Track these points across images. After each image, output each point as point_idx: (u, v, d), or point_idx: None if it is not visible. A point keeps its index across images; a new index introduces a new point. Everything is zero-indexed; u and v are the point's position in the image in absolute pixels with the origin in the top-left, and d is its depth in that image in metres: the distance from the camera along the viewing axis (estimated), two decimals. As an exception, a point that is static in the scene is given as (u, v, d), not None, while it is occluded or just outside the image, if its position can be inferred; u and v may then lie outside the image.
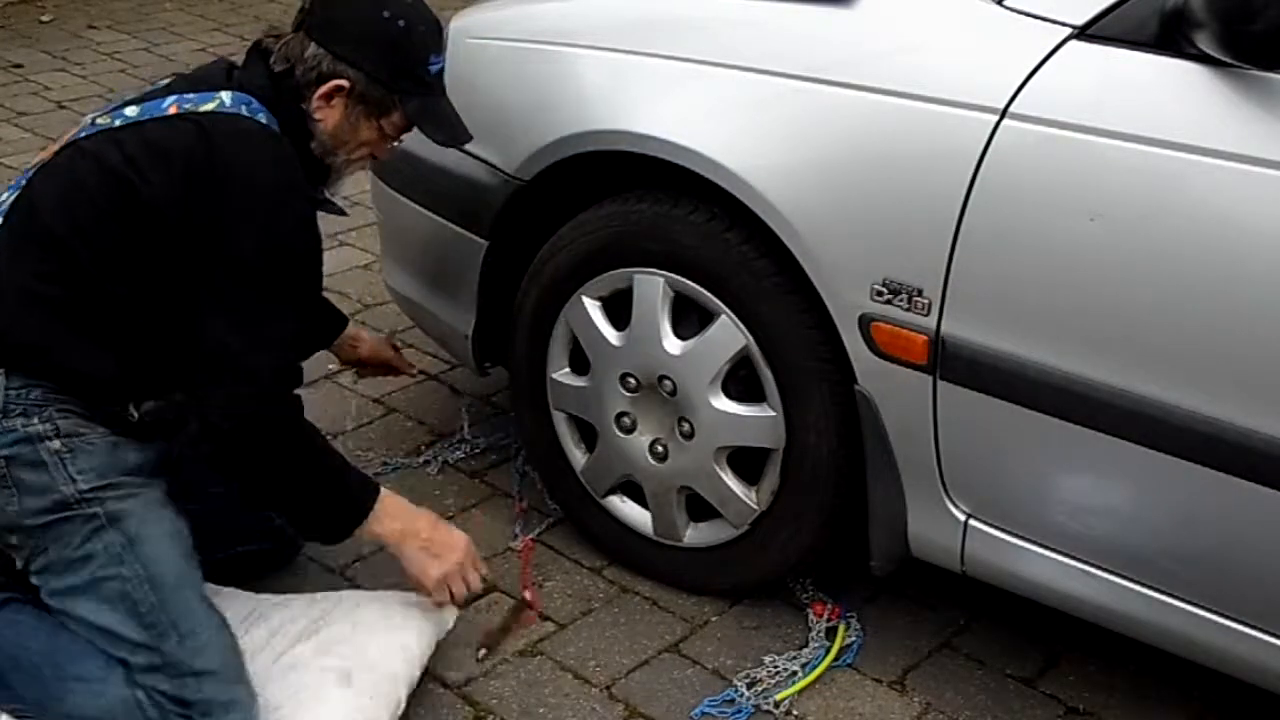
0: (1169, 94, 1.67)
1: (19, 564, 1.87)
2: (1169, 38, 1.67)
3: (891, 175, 1.84)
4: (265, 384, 1.80)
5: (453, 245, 2.36)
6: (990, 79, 1.77)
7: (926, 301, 1.82)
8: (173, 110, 1.85)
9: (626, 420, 2.21)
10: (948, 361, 1.83)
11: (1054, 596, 1.93)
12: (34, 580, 1.86)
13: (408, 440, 2.73)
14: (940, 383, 1.85)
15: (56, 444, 1.79)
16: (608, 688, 2.09)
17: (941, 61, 1.84)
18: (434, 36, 1.96)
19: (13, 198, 1.89)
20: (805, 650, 2.16)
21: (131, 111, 1.88)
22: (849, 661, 2.15)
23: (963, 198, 1.76)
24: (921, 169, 1.81)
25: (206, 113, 1.83)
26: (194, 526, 1.91)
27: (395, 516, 1.96)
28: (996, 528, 1.92)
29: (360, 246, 3.54)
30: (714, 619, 2.25)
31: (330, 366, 2.99)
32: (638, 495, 2.29)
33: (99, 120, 1.90)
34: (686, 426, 2.14)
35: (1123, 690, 2.11)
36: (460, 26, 2.40)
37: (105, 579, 1.80)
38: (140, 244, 1.80)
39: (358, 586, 2.28)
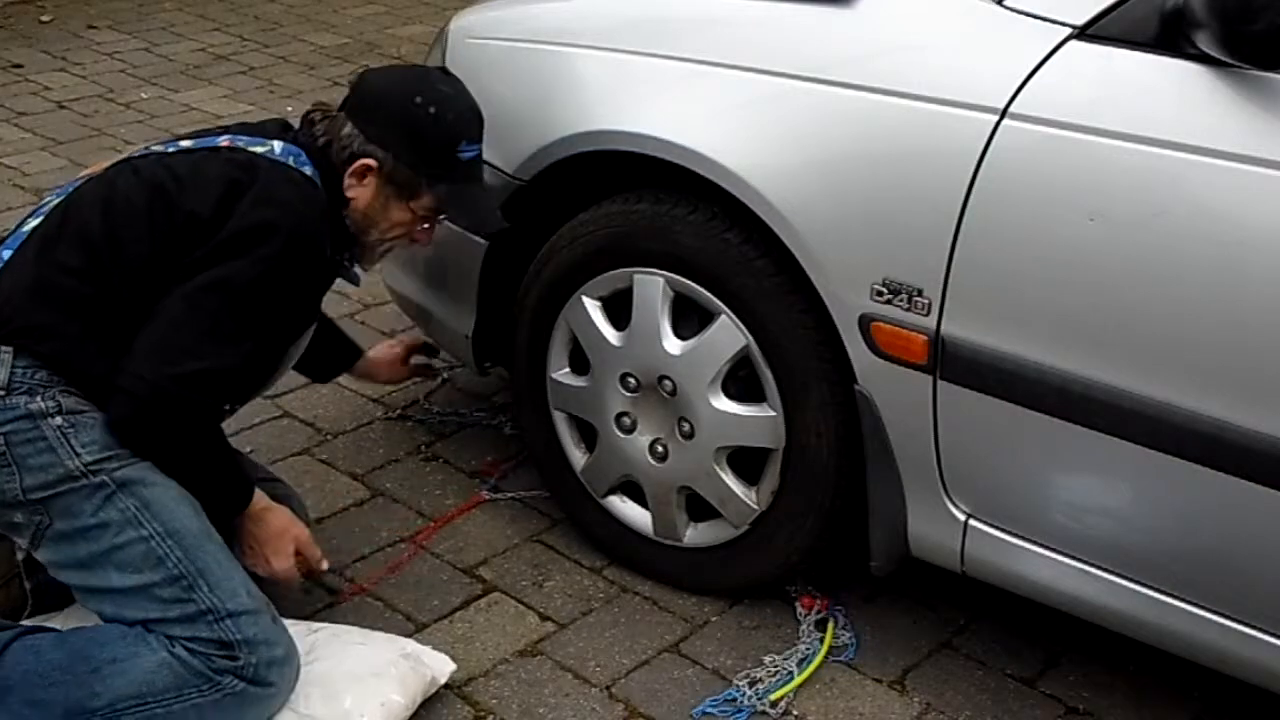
0: (1169, 94, 1.67)
1: (24, 544, 1.89)
2: (1169, 38, 1.67)
3: (891, 175, 1.84)
4: (161, 391, 1.80)
5: (453, 245, 2.36)
6: (990, 79, 1.77)
7: (926, 301, 1.82)
8: (225, 144, 1.99)
9: (626, 420, 2.21)
10: (948, 361, 1.83)
11: (1054, 596, 1.93)
12: (41, 557, 1.88)
13: (407, 440, 2.73)
14: (940, 383, 1.85)
15: (59, 420, 1.82)
16: (608, 688, 2.09)
17: (941, 61, 1.84)
18: (467, 124, 2.06)
19: (55, 202, 1.97)
20: (801, 646, 2.16)
21: (186, 143, 2.03)
22: (849, 661, 2.15)
23: (963, 198, 1.76)
24: (921, 169, 1.81)
25: (256, 153, 1.97)
26: None
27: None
28: (996, 528, 1.92)
29: (360, 246, 3.53)
30: (714, 619, 2.24)
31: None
32: (638, 495, 2.29)
33: (154, 148, 2.03)
34: (686, 426, 2.14)
35: (1123, 690, 2.11)
36: (460, 26, 2.40)
37: (127, 543, 1.82)
38: (166, 259, 1.86)
39: (359, 586, 2.29)
